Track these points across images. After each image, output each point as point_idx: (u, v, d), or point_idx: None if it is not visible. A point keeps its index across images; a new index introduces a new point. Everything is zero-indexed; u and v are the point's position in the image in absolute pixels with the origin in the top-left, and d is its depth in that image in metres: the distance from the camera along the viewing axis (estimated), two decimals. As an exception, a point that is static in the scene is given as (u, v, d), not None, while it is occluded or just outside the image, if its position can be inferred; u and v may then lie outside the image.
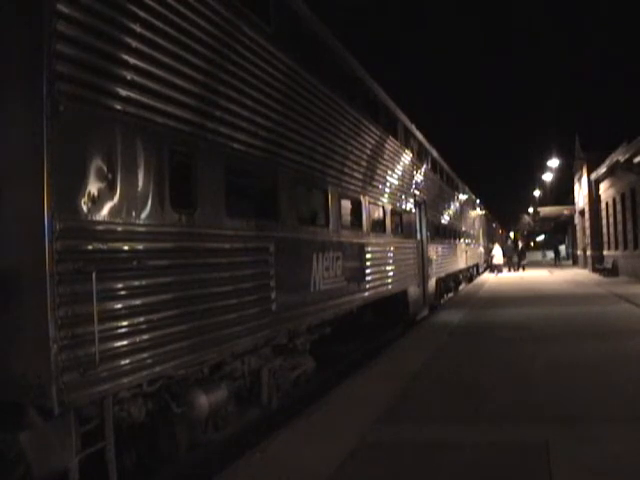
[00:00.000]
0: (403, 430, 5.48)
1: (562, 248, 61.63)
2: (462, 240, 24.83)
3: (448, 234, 20.35)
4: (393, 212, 11.86)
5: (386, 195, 11.39)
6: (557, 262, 45.44)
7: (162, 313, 4.44)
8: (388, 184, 11.60)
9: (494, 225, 57.35)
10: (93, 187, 3.87)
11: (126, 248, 4.17)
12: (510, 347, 9.40)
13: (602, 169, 27.60)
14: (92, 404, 3.98)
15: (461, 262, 23.85)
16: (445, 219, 20.09)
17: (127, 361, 4.05)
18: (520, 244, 42.86)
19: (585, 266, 33.95)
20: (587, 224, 33.45)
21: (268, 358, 6.59)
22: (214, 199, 5.28)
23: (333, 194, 8.36)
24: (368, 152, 10.29)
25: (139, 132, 4.34)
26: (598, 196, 31.10)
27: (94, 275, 3.72)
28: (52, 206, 3.53)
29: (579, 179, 35.58)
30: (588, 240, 33.35)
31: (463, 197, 26.45)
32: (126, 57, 4.24)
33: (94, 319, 3.72)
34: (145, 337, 4.24)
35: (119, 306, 4.03)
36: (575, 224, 40.37)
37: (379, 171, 10.98)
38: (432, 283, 15.87)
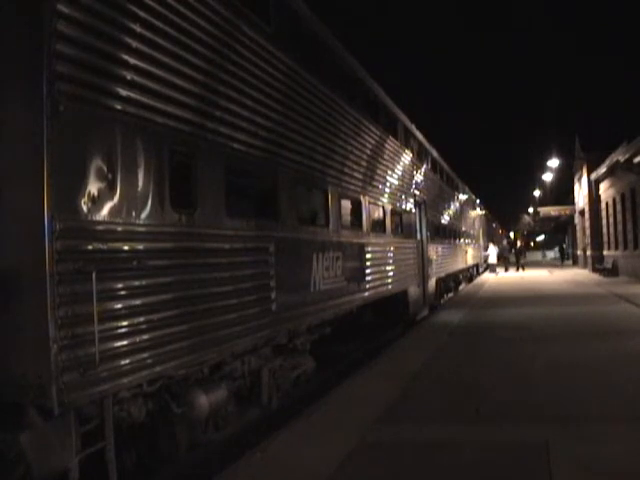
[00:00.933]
0: (403, 430, 5.48)
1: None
2: (462, 240, 24.83)
3: (448, 234, 20.35)
4: (393, 212, 11.86)
5: (386, 195, 11.39)
6: (563, 261, 45.20)
7: (162, 313, 4.44)
8: (388, 184, 11.60)
9: (494, 225, 57.36)
10: (93, 187, 3.87)
11: (126, 248, 4.17)
12: (510, 347, 9.40)
13: (602, 169, 27.60)
14: (92, 404, 3.98)
15: (461, 262, 23.85)
16: (445, 219, 20.09)
17: (127, 361, 4.05)
18: (518, 244, 42.85)
19: (585, 266, 33.95)
20: (587, 224, 33.45)
21: (268, 358, 6.59)
22: (214, 199, 5.28)
23: (333, 194, 8.36)
24: (368, 152, 10.29)
25: (139, 132, 4.34)
26: (598, 196, 31.11)
27: (94, 275, 3.72)
28: (52, 206, 3.53)
29: (579, 179, 35.58)
30: (588, 240, 33.36)
31: (463, 197, 26.45)
32: (126, 57, 4.24)
33: (94, 319, 3.72)
34: (145, 337, 4.24)
35: (119, 306, 4.03)
36: (575, 224, 40.38)
37: (379, 171, 10.98)
38: (432, 283, 15.87)
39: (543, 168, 43.65)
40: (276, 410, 6.74)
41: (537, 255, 70.46)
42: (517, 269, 37.21)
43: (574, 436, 4.95)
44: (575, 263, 40.81)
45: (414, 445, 5.03)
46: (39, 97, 3.54)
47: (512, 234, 79.39)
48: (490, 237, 47.44)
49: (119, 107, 4.15)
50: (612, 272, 26.46)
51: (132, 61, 4.29)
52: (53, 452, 3.78)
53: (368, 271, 9.79)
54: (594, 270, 30.09)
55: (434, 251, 16.44)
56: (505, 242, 50.97)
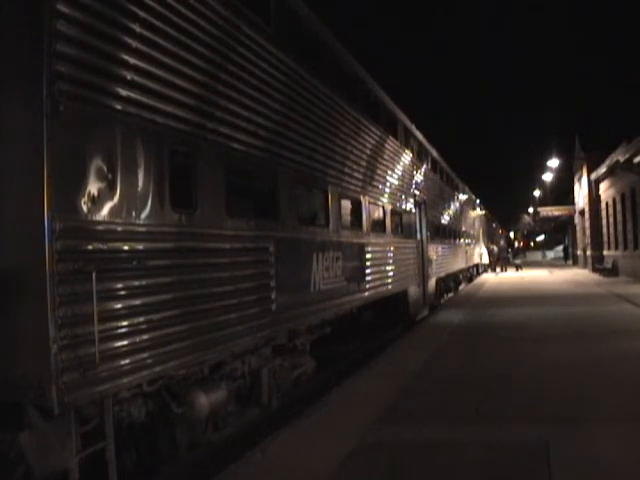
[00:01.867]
0: (403, 430, 5.48)
1: (562, 248, 61.63)
2: (462, 240, 24.83)
3: (448, 234, 20.35)
4: (393, 212, 11.86)
5: (386, 195, 11.39)
6: (567, 261, 45.08)
7: (162, 313, 4.44)
8: (388, 184, 11.59)
9: (494, 225, 57.31)
10: (93, 187, 3.87)
11: (126, 248, 4.17)
12: (510, 347, 9.40)
13: (602, 169, 27.61)
14: (92, 404, 3.98)
15: (461, 262, 23.85)
16: (445, 219, 20.09)
17: (127, 361, 4.05)
18: (516, 244, 42.88)
19: (585, 266, 33.95)
20: (587, 224, 33.45)
21: (268, 358, 6.59)
22: (214, 199, 5.28)
23: (333, 194, 8.36)
24: (368, 152, 10.28)
25: (139, 132, 4.33)
26: (598, 196, 31.11)
27: (94, 275, 3.72)
28: (52, 206, 3.53)
29: (579, 179, 35.59)
30: (588, 240, 33.36)
31: (463, 197, 26.45)
32: (126, 57, 4.23)
33: (94, 319, 3.72)
34: (145, 337, 4.24)
35: (119, 306, 4.03)
36: (575, 224, 40.38)
37: (379, 171, 10.98)
38: (432, 283, 15.87)
39: (543, 168, 43.70)
40: (276, 410, 6.74)
41: (537, 255, 70.45)
42: (516, 269, 37.24)
43: (574, 436, 4.95)
44: (575, 263, 40.83)
45: (414, 445, 5.03)
46: (39, 97, 3.54)
47: (512, 234, 79.41)
48: (490, 237, 47.45)
49: (119, 107, 4.15)
50: (612, 272, 26.46)
51: (132, 61, 4.29)
52: (53, 452, 3.78)
53: (368, 271, 9.79)
54: (594, 270, 30.09)
55: (434, 251, 16.44)
56: (502, 242, 50.82)
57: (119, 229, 4.11)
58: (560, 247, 63.89)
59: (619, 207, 26.03)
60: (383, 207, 11.22)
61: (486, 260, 36.05)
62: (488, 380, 7.17)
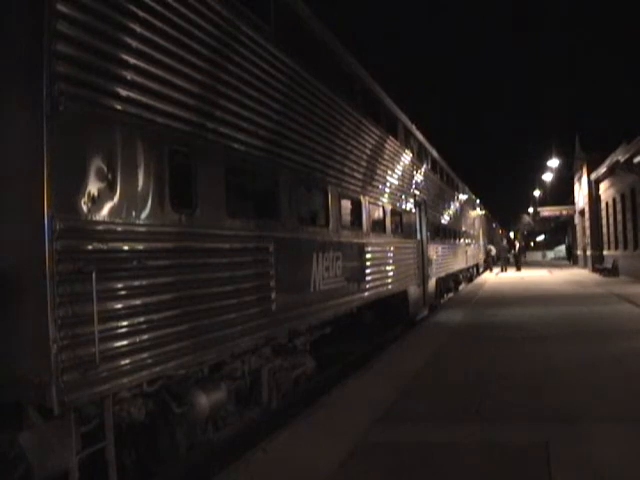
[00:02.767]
0: (403, 430, 5.48)
1: (562, 248, 61.59)
2: (462, 240, 24.83)
3: (448, 234, 20.35)
4: (393, 212, 11.86)
5: (386, 195, 11.39)
6: (569, 261, 44.95)
7: (162, 313, 4.44)
8: (388, 184, 11.59)
9: (494, 225, 57.32)
10: (93, 187, 3.87)
11: (126, 248, 4.17)
12: (510, 347, 9.40)
13: (602, 169, 27.61)
14: (92, 404, 3.98)
15: (461, 262, 23.85)
16: (445, 219, 20.09)
17: (127, 361, 4.05)
18: (517, 245, 42.67)
19: (585, 266, 33.95)
20: (587, 224, 33.46)
21: (268, 358, 6.59)
22: (214, 199, 5.28)
23: (333, 194, 8.36)
24: (368, 152, 10.28)
25: (139, 132, 4.33)
26: (598, 196, 31.11)
27: (94, 275, 3.72)
28: (52, 206, 3.53)
29: (579, 179, 35.58)
30: (588, 240, 33.37)
31: (463, 197, 26.45)
32: (126, 57, 4.23)
33: (94, 319, 3.72)
34: (145, 337, 4.24)
35: (119, 306, 4.03)
36: (575, 224, 40.38)
37: (379, 171, 10.98)
38: (432, 283, 15.87)
39: (543, 168, 43.65)
40: (276, 410, 6.74)
41: (537, 255, 70.42)
42: (517, 269, 37.23)
43: (574, 436, 4.95)
44: (575, 263, 40.83)
45: (414, 445, 5.03)
46: (39, 97, 3.54)
47: (512, 234, 79.39)
48: (490, 237, 47.44)
49: (119, 107, 4.15)
50: (612, 272, 26.46)
51: (132, 61, 4.29)
52: (53, 452, 3.78)
53: (368, 271, 9.79)
54: (594, 270, 30.09)
55: (434, 251, 16.44)
56: (504, 242, 50.71)
57: (119, 229, 4.11)
58: (561, 247, 63.87)
59: (619, 207, 26.03)
60: (383, 207, 11.22)
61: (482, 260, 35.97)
62: (488, 380, 7.17)
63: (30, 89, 3.59)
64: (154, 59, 4.53)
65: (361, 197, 9.76)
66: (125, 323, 4.07)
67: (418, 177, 14.79)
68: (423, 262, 14.44)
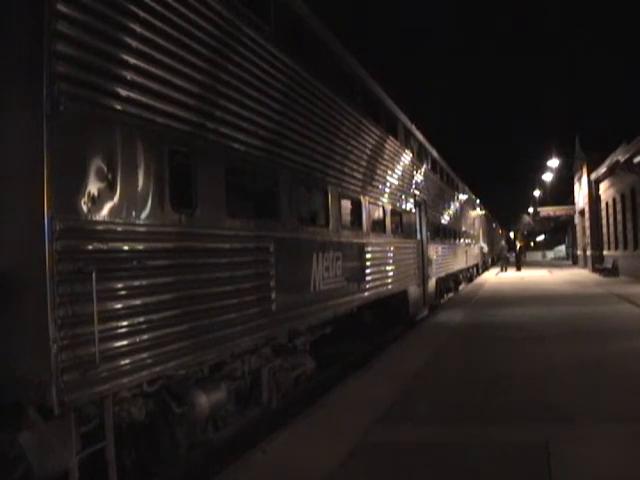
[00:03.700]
0: (403, 430, 5.48)
1: (562, 248, 61.60)
2: (462, 240, 24.82)
3: (448, 234, 20.35)
4: (393, 212, 11.86)
5: (386, 195, 11.39)
6: (569, 260, 44.80)
7: (162, 313, 4.44)
8: (388, 184, 11.59)
9: (494, 225, 57.29)
10: (93, 187, 3.87)
11: (126, 248, 4.17)
12: (510, 347, 9.39)
13: (602, 169, 27.61)
14: (92, 404, 3.98)
15: (461, 262, 23.85)
16: (445, 219, 20.08)
17: (127, 361, 4.05)
18: (518, 245, 42.54)
19: (585, 266, 33.95)
20: (587, 224, 33.46)
21: (268, 358, 6.58)
22: (214, 199, 5.28)
23: (333, 194, 8.36)
24: (368, 152, 10.28)
25: (139, 132, 4.33)
26: (598, 196, 31.11)
27: (94, 275, 3.72)
28: (52, 206, 3.53)
29: (579, 179, 35.59)
30: (588, 240, 33.36)
31: (463, 197, 26.45)
32: (126, 57, 4.23)
33: (94, 319, 3.72)
34: (145, 337, 4.24)
35: (119, 306, 4.03)
36: (575, 224, 40.37)
37: (379, 171, 10.98)
38: (432, 283, 15.87)
39: (543, 168, 43.63)
40: (276, 410, 6.74)
41: (537, 255, 70.42)
42: (517, 269, 37.22)
43: (574, 436, 4.95)
44: (575, 263, 40.83)
45: (414, 445, 5.03)
46: (39, 97, 3.54)
47: (512, 234, 79.38)
48: (490, 237, 47.40)
49: (119, 107, 4.15)
50: (612, 272, 26.46)
51: (132, 61, 4.29)
52: (53, 452, 3.78)
53: (368, 271, 9.79)
54: (594, 270, 30.09)
55: (434, 251, 16.44)
56: (503, 242, 50.46)
57: (119, 229, 4.11)
58: (560, 247, 63.86)
59: (619, 207, 26.03)
60: (383, 207, 11.22)
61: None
62: (488, 380, 7.17)
63: (30, 89, 3.59)
64: (154, 59, 4.52)
65: (361, 197, 9.76)
66: (125, 323, 4.07)
67: (418, 177, 14.79)
68: (423, 262, 14.43)
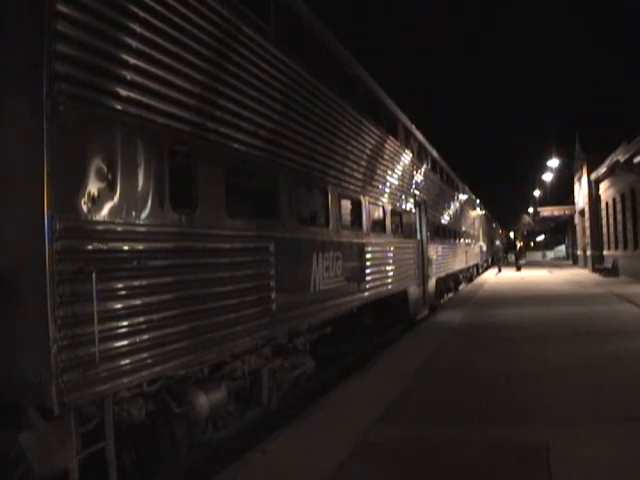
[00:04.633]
0: (403, 430, 5.48)
1: (562, 248, 61.58)
2: (462, 240, 24.82)
3: (448, 234, 20.34)
4: (393, 212, 11.86)
5: (386, 195, 11.39)
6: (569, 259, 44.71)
7: (162, 313, 4.44)
8: (388, 184, 11.59)
9: (494, 225, 57.28)
10: (93, 187, 3.87)
11: (126, 248, 4.17)
12: (510, 347, 9.39)
13: (602, 169, 27.61)
14: (92, 404, 3.99)
15: (461, 262, 23.85)
16: (445, 219, 20.08)
17: (127, 361, 4.05)
18: (518, 245, 42.41)
19: (585, 266, 33.95)
20: (587, 224, 33.46)
21: (268, 358, 6.59)
22: (214, 199, 5.28)
23: (333, 194, 8.36)
24: (368, 152, 10.28)
25: (139, 132, 4.33)
26: (598, 196, 31.11)
27: (94, 275, 3.72)
28: (52, 206, 3.53)
29: (579, 179, 35.59)
30: (588, 240, 33.37)
31: (463, 197, 26.45)
32: (126, 57, 4.23)
33: (94, 319, 3.72)
34: (145, 337, 4.24)
35: (119, 306, 4.03)
36: (575, 224, 40.37)
37: (379, 171, 10.98)
38: (432, 283, 15.87)
39: (543, 168, 43.56)
40: (276, 410, 6.74)
41: (537, 255, 70.42)
42: (517, 269, 37.21)
43: (574, 436, 4.95)
44: (575, 263, 40.83)
45: (414, 445, 5.03)
46: (39, 97, 3.54)
47: (512, 234, 79.37)
48: (490, 237, 47.36)
49: (119, 107, 4.15)
50: (612, 272, 26.46)
51: (132, 61, 4.29)
52: (53, 452, 3.79)
53: (368, 271, 9.79)
54: (594, 270, 30.09)
55: (434, 251, 16.44)
56: (498, 242, 50.01)
57: (119, 229, 4.11)
58: (560, 247, 63.85)
59: (619, 207, 26.03)
60: (383, 207, 11.22)
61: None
62: (488, 380, 7.17)
63: (30, 89, 3.59)
64: (154, 59, 4.52)
65: (361, 197, 9.76)
66: (125, 323, 4.07)
67: (418, 177, 14.79)
68: (423, 262, 14.44)
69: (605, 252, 30.07)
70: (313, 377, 8.04)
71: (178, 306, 4.63)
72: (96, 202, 3.89)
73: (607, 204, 29.17)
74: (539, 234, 78.62)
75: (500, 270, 37.21)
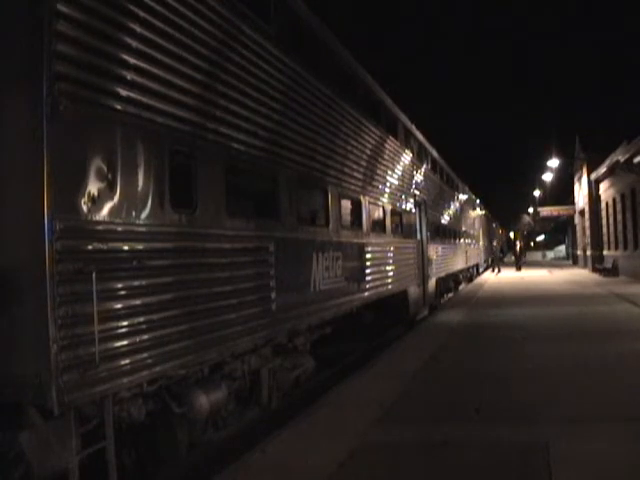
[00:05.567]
0: (403, 430, 5.48)
1: (562, 248, 61.56)
2: (462, 240, 24.82)
3: (448, 234, 20.34)
4: (393, 212, 11.86)
5: (386, 195, 11.39)
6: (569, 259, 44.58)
7: (162, 313, 4.44)
8: (388, 184, 11.59)
9: (494, 225, 57.27)
10: (93, 187, 3.87)
11: (126, 248, 4.17)
12: (510, 347, 9.39)
13: (602, 169, 27.61)
14: (92, 404, 3.98)
15: (461, 262, 23.84)
16: (445, 219, 20.08)
17: (127, 361, 4.05)
18: (518, 245, 42.15)
19: (585, 266, 33.95)
20: (587, 224, 33.46)
21: (268, 358, 6.59)
22: (214, 199, 5.28)
23: (333, 194, 8.36)
24: (368, 152, 10.28)
25: (139, 132, 4.33)
26: (598, 196, 31.11)
27: (94, 275, 3.72)
28: (52, 206, 3.53)
29: (579, 179, 35.58)
30: (588, 240, 33.36)
31: (463, 197, 26.45)
32: (126, 57, 4.23)
33: (94, 319, 3.72)
34: (145, 337, 4.24)
35: (119, 306, 4.03)
36: (575, 224, 40.36)
37: (379, 171, 10.98)
38: (432, 283, 15.87)
39: (543, 168, 43.57)
40: (276, 410, 6.74)
41: (537, 255, 70.38)
42: (517, 269, 37.14)
43: (574, 436, 4.95)
44: (575, 263, 40.82)
45: (414, 445, 5.03)
46: (39, 97, 3.54)
47: (512, 234, 79.35)
48: (490, 237, 47.32)
49: (119, 107, 4.15)
50: (612, 272, 26.46)
51: (132, 61, 4.28)
52: (53, 452, 3.79)
53: (368, 271, 9.79)
54: (594, 270, 30.09)
55: (434, 251, 16.44)
56: (495, 242, 49.59)
57: (119, 229, 4.11)
58: (560, 247, 63.81)
59: (619, 207, 26.03)
60: (383, 207, 11.22)
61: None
62: (488, 380, 7.17)
63: (30, 89, 3.59)
64: (154, 59, 4.52)
65: (361, 197, 9.76)
66: (125, 323, 4.07)
67: (418, 177, 14.79)
68: (423, 262, 14.43)
69: (605, 252, 30.07)
70: (313, 377, 8.04)
71: (178, 306, 4.63)
72: (96, 202, 3.89)
73: (607, 204, 29.17)
74: (539, 234, 78.60)
75: (495, 271, 37.00)
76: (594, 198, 31.64)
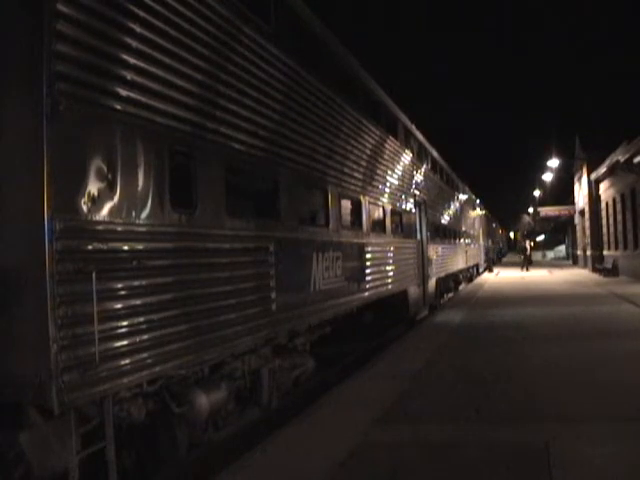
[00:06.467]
0: (403, 430, 5.47)
1: (562, 248, 61.56)
2: (462, 240, 24.82)
3: (448, 234, 20.34)
4: (393, 212, 11.86)
5: (386, 195, 11.39)
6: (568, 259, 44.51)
7: (162, 313, 4.44)
8: (388, 184, 11.59)
9: (494, 225, 57.27)
10: (93, 187, 3.87)
11: (126, 248, 4.17)
12: (510, 347, 9.39)
13: (602, 169, 27.61)
14: (92, 404, 3.98)
15: (461, 262, 23.84)
16: (445, 219, 20.08)
17: (127, 361, 4.05)
18: (528, 246, 41.89)
19: (585, 266, 33.95)
20: (587, 224, 33.46)
21: (268, 358, 6.59)
22: (214, 199, 5.28)
23: (333, 194, 8.36)
24: (368, 152, 10.28)
25: (139, 132, 4.33)
26: (598, 196, 31.11)
27: (94, 275, 3.72)
28: (52, 206, 3.53)
29: (579, 179, 35.58)
30: (588, 240, 33.36)
31: (463, 197, 26.44)
32: (126, 57, 4.23)
33: (94, 319, 3.72)
34: (145, 337, 4.24)
35: (119, 306, 4.03)
36: (575, 224, 40.35)
37: (379, 171, 10.98)
38: (432, 283, 15.87)
39: (543, 168, 43.54)
40: (276, 410, 6.74)
41: (537, 255, 70.40)
42: (522, 269, 36.99)
43: (574, 436, 4.95)
44: (575, 263, 40.81)
45: (414, 445, 5.03)
46: (39, 97, 3.54)
47: (512, 234, 79.43)
48: (490, 237, 47.30)
49: (119, 107, 4.15)
50: (612, 272, 26.46)
51: (132, 61, 4.28)
52: (53, 452, 3.79)
53: (368, 271, 9.79)
54: (594, 270, 30.09)
55: (434, 251, 16.44)
56: (490, 242, 49.34)
57: (119, 229, 4.11)
58: (560, 247, 63.81)
59: (619, 207, 26.03)
60: (383, 207, 11.22)
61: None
62: (488, 380, 7.17)
63: (30, 89, 3.59)
64: (154, 59, 4.52)
65: (361, 197, 9.76)
66: (125, 323, 4.07)
67: (418, 177, 14.78)
68: (423, 262, 14.43)
69: (605, 252, 30.07)
70: (313, 377, 8.04)
71: (178, 306, 4.63)
72: (96, 202, 3.89)
73: (607, 204, 29.17)
74: (539, 234, 78.63)
75: (489, 270, 36.89)
76: (594, 198, 31.64)
